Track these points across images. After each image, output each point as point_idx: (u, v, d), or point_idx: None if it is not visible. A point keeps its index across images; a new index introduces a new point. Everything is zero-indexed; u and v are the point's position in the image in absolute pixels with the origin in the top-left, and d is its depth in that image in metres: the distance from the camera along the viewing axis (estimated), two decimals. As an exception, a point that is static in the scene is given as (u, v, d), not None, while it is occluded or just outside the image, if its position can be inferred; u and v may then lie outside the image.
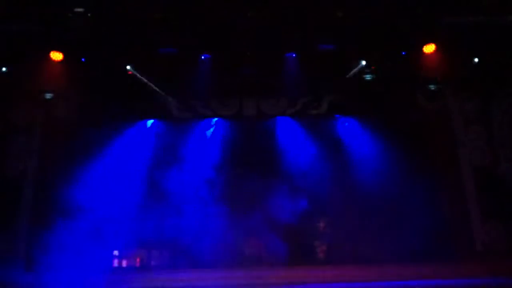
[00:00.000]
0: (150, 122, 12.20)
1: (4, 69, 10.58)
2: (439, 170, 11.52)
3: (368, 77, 11.14)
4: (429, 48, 10.40)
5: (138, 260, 11.17)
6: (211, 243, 11.01)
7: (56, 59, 10.19)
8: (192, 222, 11.18)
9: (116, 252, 11.03)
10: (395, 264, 10.28)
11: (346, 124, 12.27)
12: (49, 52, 10.16)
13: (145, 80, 10.97)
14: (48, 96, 10.65)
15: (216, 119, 12.15)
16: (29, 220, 10.66)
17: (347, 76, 11.13)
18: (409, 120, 11.58)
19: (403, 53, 10.78)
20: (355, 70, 10.98)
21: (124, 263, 11.05)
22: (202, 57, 10.77)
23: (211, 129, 12.12)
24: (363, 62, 10.87)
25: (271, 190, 11.79)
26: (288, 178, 11.79)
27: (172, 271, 10.30)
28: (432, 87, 11.40)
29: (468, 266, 9.79)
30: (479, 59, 10.86)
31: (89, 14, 9.60)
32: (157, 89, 11.27)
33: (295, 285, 9.64)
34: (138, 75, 10.87)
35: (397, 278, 9.78)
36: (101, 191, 10.95)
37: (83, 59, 10.58)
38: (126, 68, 10.81)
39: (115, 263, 10.98)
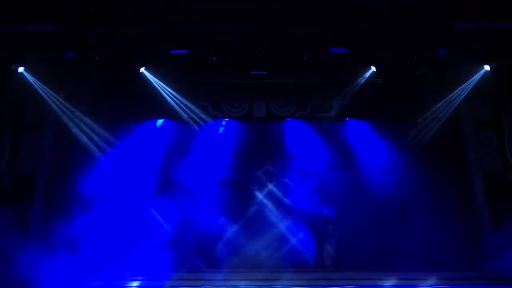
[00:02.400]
0: (160, 121, 12.29)
1: (20, 69, 10.74)
2: (449, 175, 11.43)
3: (378, 80, 11.18)
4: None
5: None
6: (220, 243, 11.11)
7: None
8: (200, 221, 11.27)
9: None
10: (403, 269, 10.25)
11: (356, 127, 12.24)
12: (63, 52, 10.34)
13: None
14: None
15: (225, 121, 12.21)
16: (41, 216, 10.78)
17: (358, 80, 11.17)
18: (419, 124, 11.49)
19: (415, 57, 10.72)
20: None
21: None
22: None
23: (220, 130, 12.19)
24: (373, 68, 10.90)
25: (279, 191, 11.87)
26: (297, 180, 11.80)
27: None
28: (443, 91, 11.40)
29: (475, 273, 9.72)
30: (491, 65, 10.79)
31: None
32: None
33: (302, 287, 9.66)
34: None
35: (404, 283, 9.74)
36: (111, 187, 11.05)
37: (96, 58, 10.66)
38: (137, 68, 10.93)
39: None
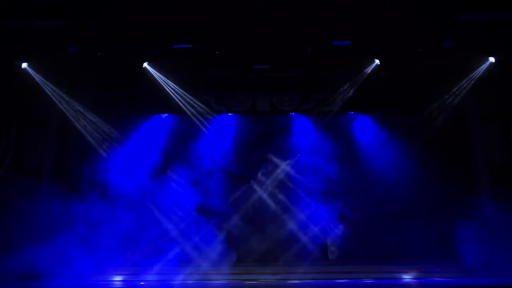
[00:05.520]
0: (163, 116, 12.31)
1: (23, 64, 10.74)
2: (454, 167, 11.37)
3: (382, 74, 11.13)
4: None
5: None
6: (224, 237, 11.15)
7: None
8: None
9: None
10: (406, 263, 10.28)
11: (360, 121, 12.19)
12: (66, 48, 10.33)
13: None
14: None
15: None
16: (47, 210, 10.81)
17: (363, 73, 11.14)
18: (424, 117, 11.44)
19: (419, 49, 10.64)
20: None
21: None
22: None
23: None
24: (377, 61, 10.86)
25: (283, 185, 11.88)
26: (301, 173, 11.81)
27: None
28: (448, 84, 11.33)
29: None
30: (496, 56, 10.71)
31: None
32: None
33: (307, 281, 9.72)
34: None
35: (406, 276, 9.81)
36: (116, 181, 11.09)
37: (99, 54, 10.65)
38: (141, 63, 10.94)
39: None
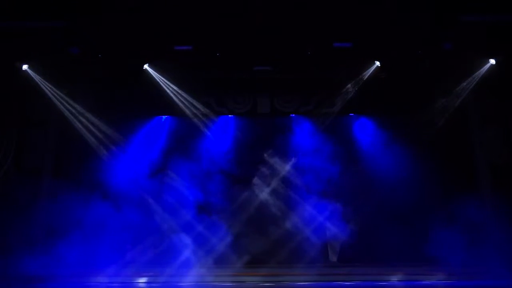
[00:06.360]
0: (163, 118, 12.32)
1: (24, 66, 10.75)
2: (454, 169, 11.35)
3: (382, 75, 11.14)
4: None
5: None
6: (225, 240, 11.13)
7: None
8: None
9: None
10: (406, 265, 10.24)
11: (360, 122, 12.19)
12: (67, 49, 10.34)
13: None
14: None
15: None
16: (47, 211, 10.79)
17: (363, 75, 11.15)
18: (425, 119, 11.43)
19: (419, 51, 10.64)
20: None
21: None
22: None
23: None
24: (378, 63, 10.86)
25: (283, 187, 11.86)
26: (301, 175, 11.79)
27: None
28: (449, 86, 11.33)
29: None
30: (496, 58, 10.71)
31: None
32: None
33: (307, 283, 9.68)
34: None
35: (408, 278, 9.77)
36: (115, 183, 11.07)
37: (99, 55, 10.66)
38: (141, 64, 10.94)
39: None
